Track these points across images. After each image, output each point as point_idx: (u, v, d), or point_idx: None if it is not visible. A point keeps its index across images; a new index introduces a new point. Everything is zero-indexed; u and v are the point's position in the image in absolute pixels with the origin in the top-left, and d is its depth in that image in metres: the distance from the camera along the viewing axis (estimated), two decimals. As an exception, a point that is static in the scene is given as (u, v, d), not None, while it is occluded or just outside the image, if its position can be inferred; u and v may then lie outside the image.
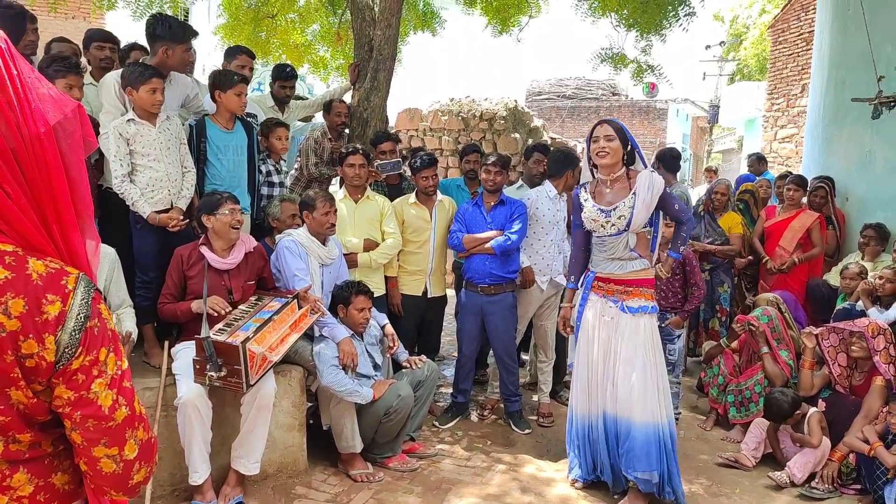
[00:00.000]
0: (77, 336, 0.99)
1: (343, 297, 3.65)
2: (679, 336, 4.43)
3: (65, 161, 1.05)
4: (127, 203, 3.41)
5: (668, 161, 5.11)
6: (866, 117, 5.30)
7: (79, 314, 0.99)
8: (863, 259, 4.95)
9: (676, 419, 4.32)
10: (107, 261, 3.15)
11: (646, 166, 3.26)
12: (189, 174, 3.63)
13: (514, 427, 4.28)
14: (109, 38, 4.24)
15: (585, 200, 3.36)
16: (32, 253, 1.00)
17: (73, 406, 1.01)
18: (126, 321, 3.17)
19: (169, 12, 6.62)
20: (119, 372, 1.05)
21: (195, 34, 3.76)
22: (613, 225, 3.20)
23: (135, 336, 3.12)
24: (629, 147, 3.24)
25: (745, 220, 5.69)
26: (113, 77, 3.63)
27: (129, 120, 3.39)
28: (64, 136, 1.05)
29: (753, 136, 16.76)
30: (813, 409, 3.81)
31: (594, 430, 3.38)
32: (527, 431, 4.23)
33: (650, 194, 3.15)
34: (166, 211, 3.48)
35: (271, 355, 3.14)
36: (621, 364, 3.24)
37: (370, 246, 4.18)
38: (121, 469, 1.07)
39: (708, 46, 24.12)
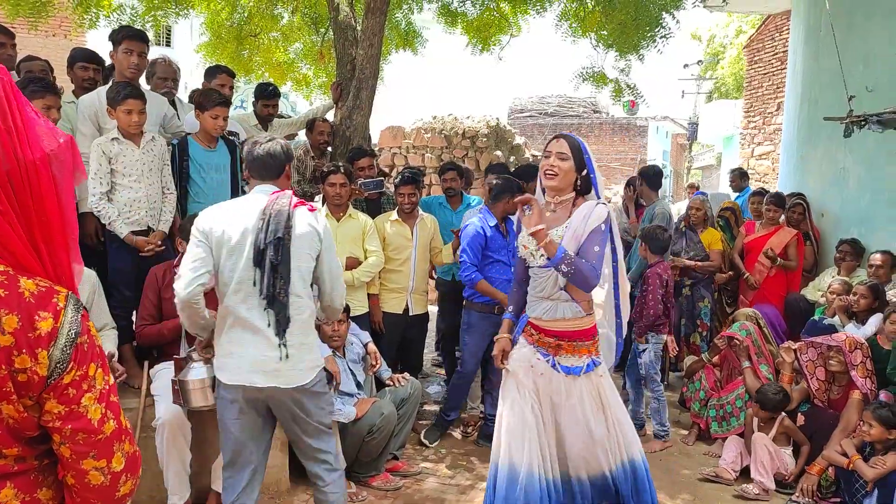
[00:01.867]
0: (68, 352, 1.03)
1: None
2: (644, 350, 4.39)
3: (56, 188, 1.10)
4: (103, 222, 3.40)
5: (651, 178, 5.19)
6: (839, 135, 5.42)
7: (69, 330, 1.04)
8: (839, 274, 5.04)
9: (664, 435, 4.34)
10: (87, 283, 3.12)
11: (598, 198, 2.71)
12: (170, 196, 3.63)
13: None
14: (94, 59, 4.24)
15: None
16: (22, 273, 1.05)
17: (64, 420, 1.05)
18: (107, 343, 3.13)
19: (150, 31, 6.63)
20: (107, 387, 1.10)
21: (133, 34, 3.79)
22: (543, 255, 2.62)
23: (115, 357, 3.09)
24: (585, 172, 2.69)
25: (726, 237, 5.77)
26: (87, 99, 3.64)
27: (113, 139, 3.39)
28: (56, 164, 1.11)
29: (731, 153, 17.06)
30: (782, 415, 3.90)
31: (557, 494, 2.71)
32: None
33: (584, 225, 2.59)
34: (143, 232, 3.47)
35: None
36: (566, 429, 2.72)
37: (352, 264, 4.18)
38: (108, 481, 1.10)
39: (686, 65, 24.59)
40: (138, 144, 3.46)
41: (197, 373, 2.71)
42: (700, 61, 25.76)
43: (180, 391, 2.75)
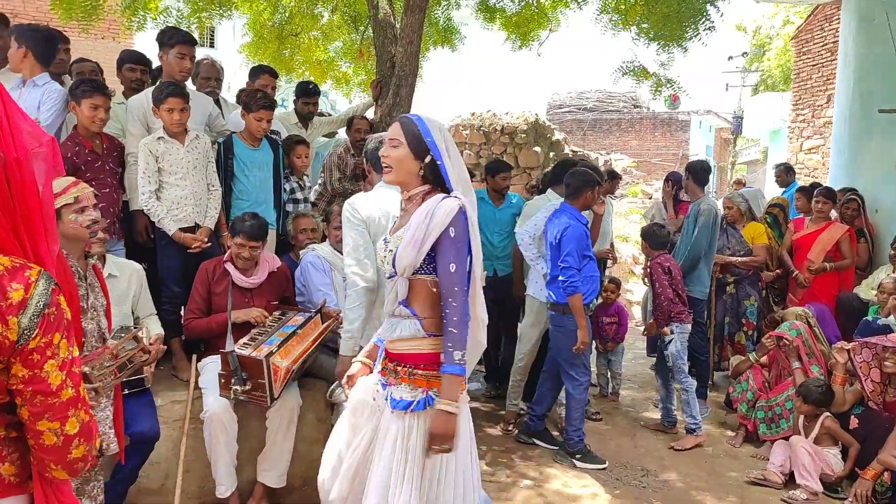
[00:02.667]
0: (35, 320, 1.14)
1: None
2: (670, 341, 4.34)
3: (36, 183, 1.22)
4: (152, 219, 3.49)
5: (698, 173, 5.05)
6: (894, 128, 5.22)
7: (38, 301, 1.15)
8: (895, 272, 4.84)
9: (696, 429, 4.29)
10: (135, 276, 3.22)
11: (450, 190, 2.11)
12: (215, 193, 3.70)
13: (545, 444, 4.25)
14: (140, 60, 4.34)
15: None
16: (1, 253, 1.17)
17: (26, 383, 1.16)
18: (153, 326, 3.23)
19: (195, 32, 6.77)
20: (70, 357, 1.20)
21: (186, 39, 3.85)
22: (388, 262, 2.17)
23: (161, 337, 3.16)
24: (429, 158, 2.11)
25: (774, 234, 5.61)
26: (136, 100, 3.73)
27: (158, 138, 3.48)
28: (37, 162, 1.25)
29: (778, 148, 16.58)
30: (825, 414, 3.81)
31: None
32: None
33: (426, 227, 2.02)
34: (191, 228, 3.55)
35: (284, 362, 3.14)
36: (369, 484, 2.10)
37: None
38: (61, 442, 1.20)
39: (730, 57, 23.98)
40: (183, 143, 3.54)
41: None
42: (745, 53, 25.10)
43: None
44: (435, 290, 2.08)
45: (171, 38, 3.83)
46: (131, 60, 4.29)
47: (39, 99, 3.50)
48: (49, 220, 1.28)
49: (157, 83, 3.76)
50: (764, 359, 4.55)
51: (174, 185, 3.52)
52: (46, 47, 3.61)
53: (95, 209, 2.45)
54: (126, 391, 2.76)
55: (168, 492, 3.09)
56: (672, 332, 4.32)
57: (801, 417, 3.91)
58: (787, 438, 4.00)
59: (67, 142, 3.43)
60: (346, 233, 2.72)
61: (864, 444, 3.68)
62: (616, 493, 3.64)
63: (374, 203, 2.70)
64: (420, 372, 2.08)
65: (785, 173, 7.75)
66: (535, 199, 4.95)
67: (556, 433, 4.41)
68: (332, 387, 2.81)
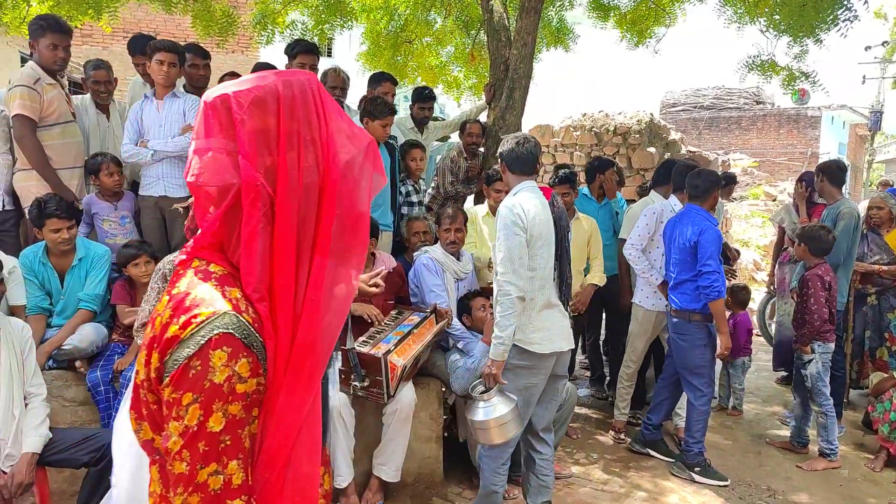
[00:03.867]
0: (171, 367, 0.98)
1: (464, 306, 3.73)
2: (811, 361, 4.00)
3: (344, 195, 1.08)
4: None
5: (833, 173, 4.66)
6: None
7: (186, 349, 0.97)
8: None
9: (830, 454, 3.97)
10: None
11: None
12: None
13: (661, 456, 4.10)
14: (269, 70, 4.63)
15: None
16: (234, 281, 1.04)
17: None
18: None
19: (317, 42, 7.11)
20: (196, 429, 0.96)
21: (307, 49, 4.03)
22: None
23: None
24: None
25: (922, 238, 5.08)
26: None
27: None
28: (352, 170, 1.10)
29: (926, 144, 14.99)
30: None
31: None
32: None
33: None
34: None
35: (401, 361, 3.23)
36: None
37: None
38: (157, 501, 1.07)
39: (868, 47, 21.98)
40: None
41: (489, 412, 2.76)
42: (885, 42, 22.90)
43: (475, 431, 2.82)
44: None
45: (294, 48, 4.06)
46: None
47: (183, 108, 3.88)
48: (353, 234, 1.11)
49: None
50: (911, 377, 4.14)
51: None
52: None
53: None
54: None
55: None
56: (813, 352, 4.02)
57: None
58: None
59: None
60: (504, 240, 2.75)
61: None
62: (739, 512, 3.45)
63: (533, 209, 2.79)
64: None
65: None
66: (639, 201, 4.79)
67: (671, 445, 4.24)
68: (475, 383, 2.93)
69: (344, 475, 3.21)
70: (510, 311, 2.73)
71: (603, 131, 9.45)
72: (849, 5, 5.35)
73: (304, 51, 4.07)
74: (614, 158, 8.87)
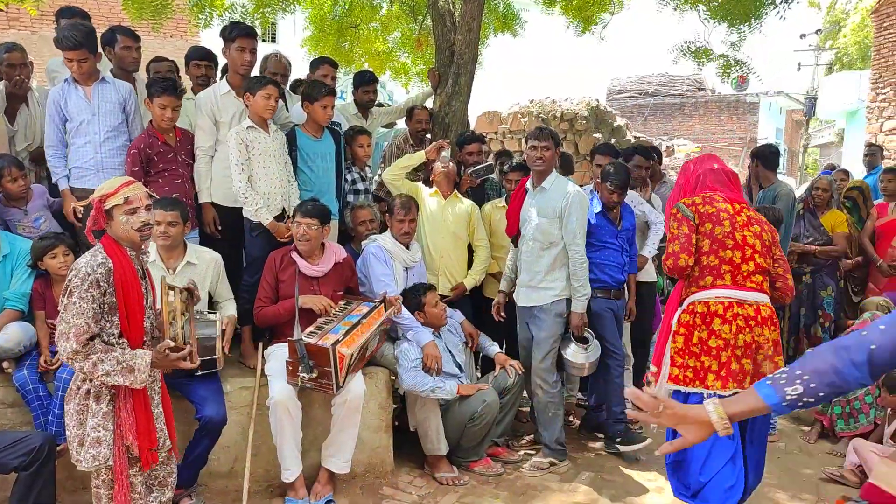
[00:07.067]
0: None
1: (415, 303, 3.68)
2: None
3: None
4: (249, 208, 3.55)
5: (767, 158, 4.82)
6: None
7: None
8: None
9: (773, 429, 4.10)
10: (213, 265, 3.38)
11: None
12: (294, 184, 3.80)
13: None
14: (206, 56, 4.47)
15: None
16: None
17: None
18: (229, 308, 3.40)
19: (258, 27, 6.91)
20: None
21: (245, 32, 3.90)
22: None
23: (235, 319, 3.36)
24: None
25: (853, 219, 5.31)
26: (204, 95, 3.83)
27: (248, 127, 3.58)
28: None
29: (856, 129, 15.69)
30: None
31: None
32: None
33: None
34: (278, 218, 3.63)
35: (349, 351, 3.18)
36: None
37: (461, 290, 4.18)
38: None
39: (803, 35, 22.82)
40: (269, 132, 3.64)
41: (591, 356, 3.72)
42: (819, 30, 23.81)
43: (572, 369, 3.77)
44: None
45: (232, 32, 3.90)
46: (197, 57, 4.42)
47: (119, 97, 3.74)
48: None
49: (252, 76, 3.84)
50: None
51: (263, 174, 3.60)
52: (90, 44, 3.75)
53: (148, 211, 2.41)
54: (199, 372, 2.86)
55: (237, 474, 3.20)
56: None
57: (888, 410, 3.70)
58: (865, 435, 3.80)
59: (143, 134, 3.64)
60: (580, 219, 3.64)
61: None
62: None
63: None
64: None
65: (873, 156, 7.29)
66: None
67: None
68: (565, 336, 3.74)
69: (291, 469, 3.16)
70: (587, 272, 3.63)
71: (550, 117, 9.54)
72: None
73: (242, 34, 3.91)
74: (562, 144, 8.95)
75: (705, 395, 2.78)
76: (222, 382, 3.18)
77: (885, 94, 11.26)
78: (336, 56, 7.81)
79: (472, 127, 8.87)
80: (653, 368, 3.25)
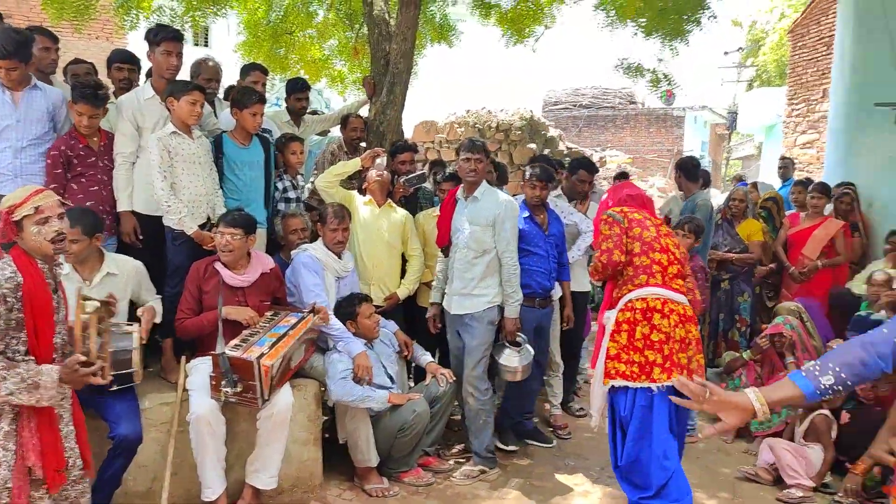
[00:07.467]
0: None
1: (347, 313, 3.65)
2: None
3: None
4: (171, 217, 3.42)
5: (689, 170, 5.05)
6: (890, 122, 5.20)
7: None
8: (890, 267, 4.83)
9: (691, 430, 4.25)
10: (133, 274, 3.23)
11: None
12: (220, 191, 3.70)
13: (537, 443, 4.23)
14: (129, 59, 4.32)
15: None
16: None
17: None
18: (154, 304, 3.25)
19: (189, 31, 6.73)
20: None
21: (172, 36, 3.80)
22: None
23: (160, 314, 3.21)
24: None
25: (768, 228, 5.60)
26: (126, 100, 3.70)
27: (172, 132, 3.46)
28: None
29: (773, 143, 16.54)
30: (818, 412, 3.78)
31: None
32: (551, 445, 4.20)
33: None
34: (203, 226, 3.52)
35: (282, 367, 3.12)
36: None
37: (394, 300, 4.16)
38: None
39: (726, 52, 24.01)
40: (192, 138, 3.54)
41: (522, 360, 3.77)
42: (740, 48, 25.07)
43: (504, 374, 3.80)
44: None
45: (157, 35, 3.79)
46: (119, 60, 4.27)
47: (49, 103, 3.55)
48: None
49: (174, 80, 3.70)
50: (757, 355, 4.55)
51: (189, 182, 3.49)
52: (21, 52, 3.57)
53: (61, 220, 2.30)
54: (115, 386, 2.73)
55: (155, 494, 3.07)
56: None
57: (799, 410, 3.90)
58: (778, 434, 3.99)
59: (66, 135, 3.49)
60: (513, 228, 3.74)
61: (856, 438, 3.68)
62: (609, 491, 3.63)
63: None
64: None
65: (786, 168, 7.72)
66: None
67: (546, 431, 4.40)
68: (498, 344, 3.81)
69: (213, 487, 3.06)
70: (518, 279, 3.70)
71: (486, 127, 9.67)
72: (707, 6, 5.80)
73: (168, 38, 3.79)
74: (496, 154, 9.09)
75: (654, 389, 2.91)
76: (141, 398, 3.06)
77: (799, 109, 11.94)
78: (271, 63, 7.69)
79: (409, 136, 8.91)
80: (590, 371, 3.36)
